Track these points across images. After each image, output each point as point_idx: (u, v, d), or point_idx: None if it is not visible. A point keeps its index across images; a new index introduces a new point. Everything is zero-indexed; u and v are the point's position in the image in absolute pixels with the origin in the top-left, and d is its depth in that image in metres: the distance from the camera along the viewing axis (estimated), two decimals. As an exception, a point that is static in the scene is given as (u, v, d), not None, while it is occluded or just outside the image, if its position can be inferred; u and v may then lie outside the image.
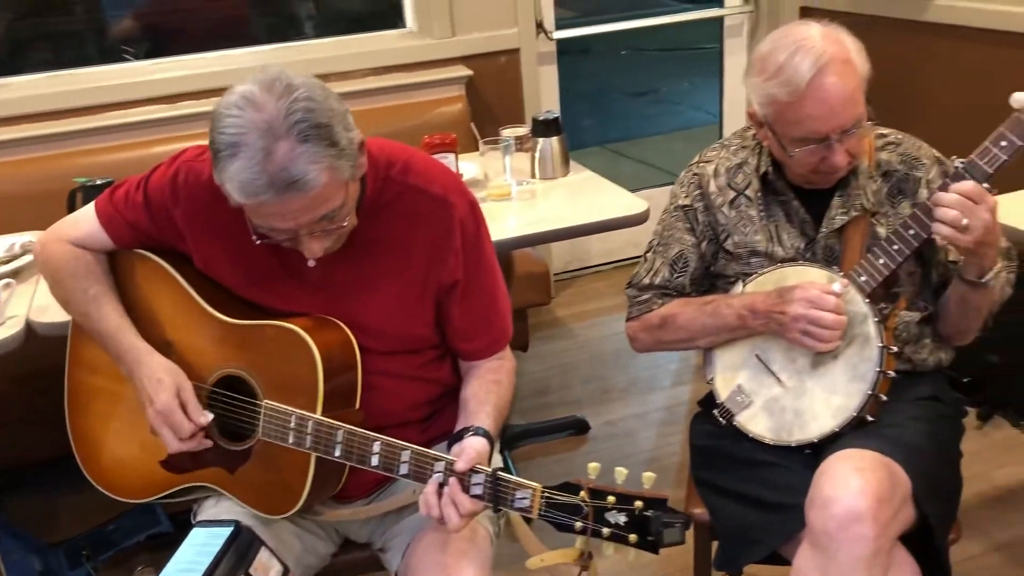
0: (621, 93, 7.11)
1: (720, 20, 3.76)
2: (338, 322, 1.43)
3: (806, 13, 3.54)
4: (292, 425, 1.38)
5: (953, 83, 2.94)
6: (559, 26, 3.50)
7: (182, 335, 1.49)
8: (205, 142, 1.29)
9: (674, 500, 1.73)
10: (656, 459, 2.61)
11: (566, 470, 2.55)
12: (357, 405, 1.43)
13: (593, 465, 1.25)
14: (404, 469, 1.34)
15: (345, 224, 1.33)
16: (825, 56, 1.46)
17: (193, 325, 1.47)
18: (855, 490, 1.35)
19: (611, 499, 1.22)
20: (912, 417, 1.53)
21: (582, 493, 1.22)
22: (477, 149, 2.54)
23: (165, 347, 1.48)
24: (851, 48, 1.51)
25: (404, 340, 1.48)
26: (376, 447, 1.35)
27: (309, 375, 1.37)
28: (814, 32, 1.50)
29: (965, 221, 1.40)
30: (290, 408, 1.38)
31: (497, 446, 1.50)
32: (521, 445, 2.76)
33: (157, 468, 1.50)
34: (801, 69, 1.46)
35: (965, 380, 2.72)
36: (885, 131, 1.68)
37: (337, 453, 1.36)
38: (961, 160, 1.47)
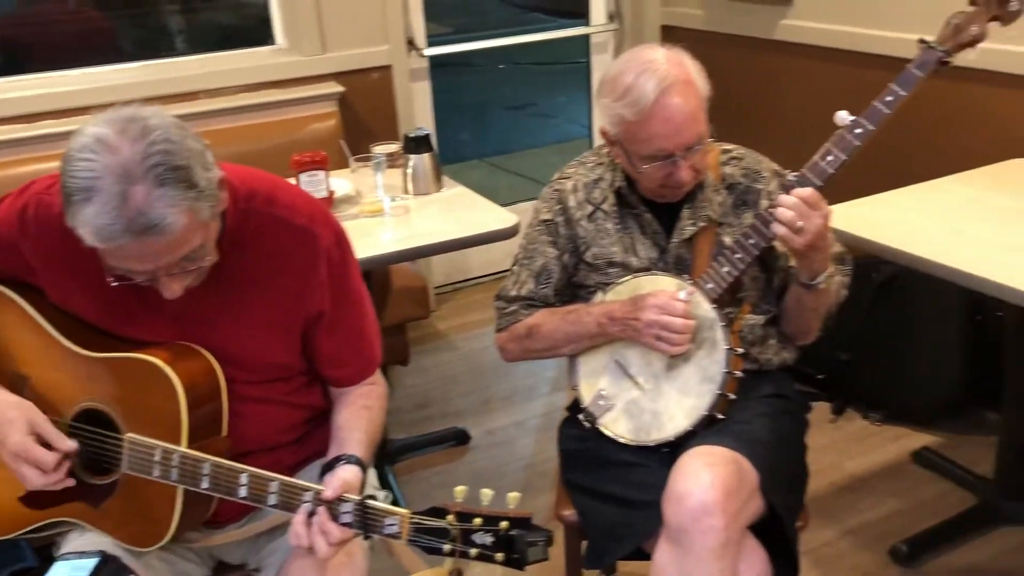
0: (500, 107, 7.23)
1: (586, 37, 3.89)
2: (201, 350, 1.42)
3: (667, 31, 3.71)
4: (157, 459, 1.36)
5: (801, 98, 3.14)
6: (432, 42, 3.56)
7: (37, 370, 1.45)
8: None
9: (549, 503, 1.80)
10: (534, 465, 2.68)
11: (447, 481, 2.59)
12: (224, 432, 1.43)
13: (459, 488, 1.29)
14: (273, 500, 1.34)
15: (205, 262, 1.32)
16: (668, 78, 1.56)
17: (49, 359, 1.44)
18: (706, 484, 1.44)
19: (477, 521, 1.24)
20: (759, 414, 1.64)
21: (449, 517, 1.25)
22: (348, 166, 2.56)
23: (19, 382, 1.44)
24: (692, 70, 1.61)
25: (270, 369, 1.48)
26: (244, 479, 1.34)
27: (171, 406, 1.36)
28: (659, 55, 1.60)
29: (800, 223, 1.51)
30: (154, 441, 1.36)
31: (371, 471, 1.52)
32: (403, 459, 2.78)
33: (18, 504, 1.46)
34: (646, 90, 1.55)
35: (819, 377, 2.91)
36: (729, 147, 1.79)
37: (204, 485, 1.35)
38: (795, 173, 1.59)
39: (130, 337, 1.44)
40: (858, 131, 1.53)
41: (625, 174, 1.72)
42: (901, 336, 2.72)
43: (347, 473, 1.38)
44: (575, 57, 5.05)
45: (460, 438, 2.86)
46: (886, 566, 2.23)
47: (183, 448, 1.35)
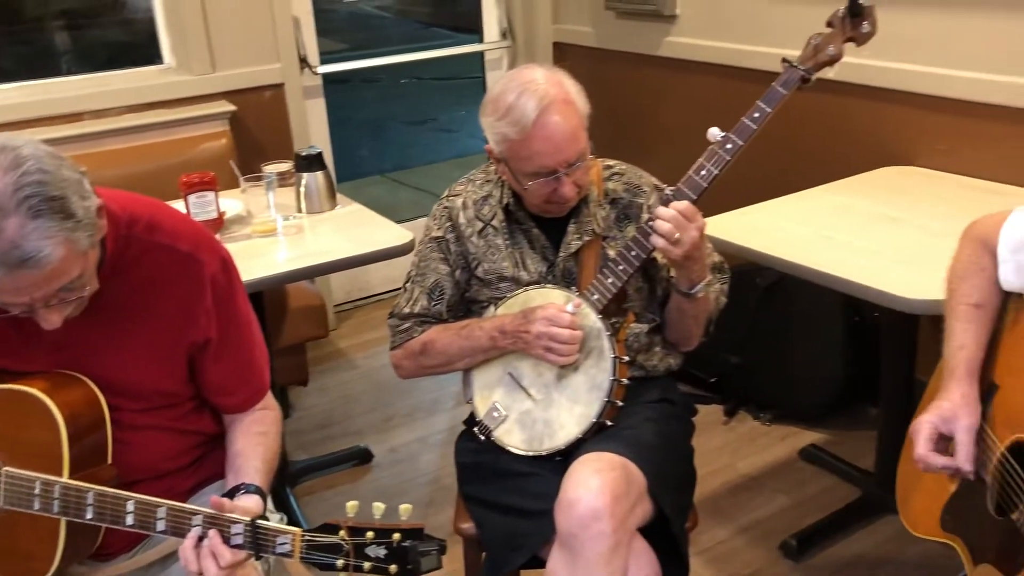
0: (402, 122, 7.22)
1: (481, 54, 3.94)
2: (82, 378, 1.39)
3: (559, 47, 3.79)
4: (37, 491, 1.32)
5: (686, 112, 3.25)
6: (328, 59, 3.55)
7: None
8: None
9: (451, 517, 1.82)
10: (438, 480, 2.69)
11: (363, 504, 2.57)
12: (108, 461, 1.40)
13: (351, 503, 1.30)
14: (161, 526, 1.32)
15: (85, 292, 1.29)
16: (548, 97, 1.60)
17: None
18: (594, 490, 1.49)
19: (370, 534, 1.26)
20: (646, 419, 1.70)
21: (341, 532, 1.26)
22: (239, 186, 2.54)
23: None
24: (571, 90, 1.66)
25: (156, 396, 1.46)
26: (130, 506, 1.32)
27: (52, 437, 1.32)
28: (538, 76, 1.64)
29: (677, 235, 1.57)
30: (33, 474, 1.33)
31: (269, 500, 1.52)
32: (304, 480, 2.76)
33: None
34: (527, 109, 1.59)
35: (712, 380, 3.01)
36: (611, 162, 1.85)
37: (89, 516, 1.32)
38: (671, 187, 1.66)
39: (9, 368, 1.40)
40: (729, 146, 1.60)
41: (513, 191, 1.77)
42: (786, 338, 2.84)
43: (248, 502, 1.38)
44: (476, 72, 5.12)
45: (363, 457, 2.85)
46: (777, 561, 2.32)
47: (64, 479, 1.32)
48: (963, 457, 1.32)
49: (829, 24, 1.64)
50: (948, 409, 1.36)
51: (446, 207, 1.83)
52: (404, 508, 1.33)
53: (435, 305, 1.80)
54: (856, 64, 2.58)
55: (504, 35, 3.87)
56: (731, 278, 2.86)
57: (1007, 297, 1.42)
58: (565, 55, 3.79)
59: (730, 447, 2.81)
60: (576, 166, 1.65)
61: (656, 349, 1.81)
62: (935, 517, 1.45)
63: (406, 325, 1.82)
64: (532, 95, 1.60)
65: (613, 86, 3.60)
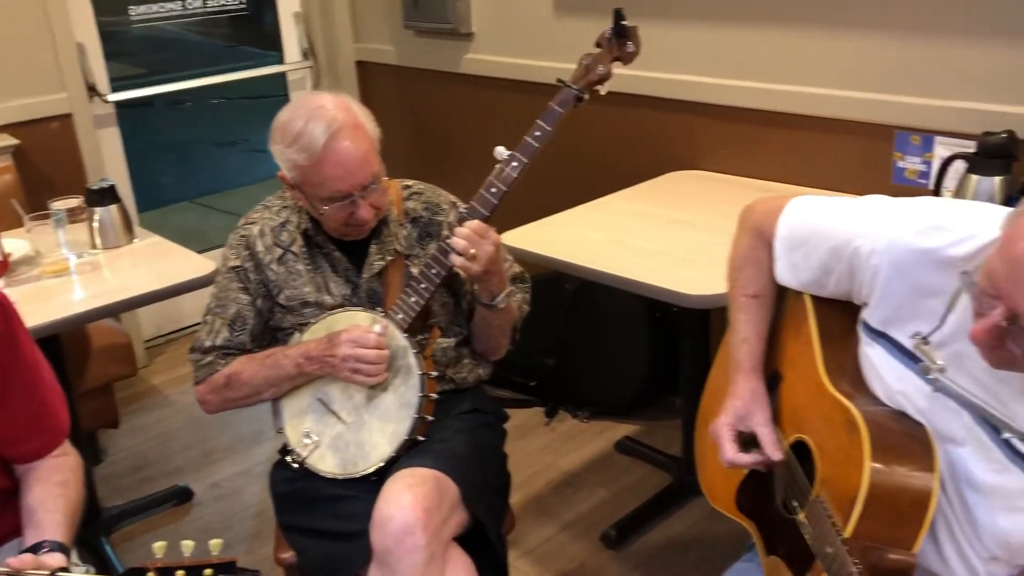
0: (211, 144, 6.99)
1: (283, 74, 3.89)
2: None
3: (361, 66, 3.80)
4: None
5: (488, 127, 3.34)
6: (122, 85, 3.40)
7: None
8: None
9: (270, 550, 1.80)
10: (262, 512, 2.64)
11: (171, 544, 2.48)
12: None
13: (158, 544, 1.26)
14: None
15: None
16: (337, 122, 1.62)
17: None
18: (407, 506, 1.52)
19: (180, 573, 1.23)
20: (457, 430, 1.74)
21: (149, 575, 1.23)
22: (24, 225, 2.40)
23: None
24: (360, 114, 1.69)
25: None
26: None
27: None
28: (326, 101, 1.66)
29: (473, 251, 1.63)
30: None
31: (74, 553, 1.45)
32: (121, 527, 2.63)
33: None
34: (316, 135, 1.61)
35: (531, 384, 3.11)
36: (409, 182, 1.89)
37: None
38: (465, 205, 1.72)
39: None
40: (515, 164, 1.68)
41: (311, 215, 1.77)
42: (596, 339, 2.97)
43: (50, 560, 1.31)
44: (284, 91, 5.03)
45: (182, 496, 2.75)
46: (599, 552, 2.43)
47: None
48: (769, 448, 1.36)
49: (598, 44, 1.74)
50: (741, 407, 1.41)
51: (243, 235, 1.81)
52: (215, 543, 1.31)
53: (238, 336, 1.78)
54: (643, 77, 2.76)
55: (306, 55, 3.84)
56: (542, 285, 2.97)
57: (784, 287, 1.45)
58: (369, 74, 3.81)
59: (552, 447, 2.91)
60: (371, 189, 1.68)
61: (465, 361, 1.86)
62: (731, 496, 1.54)
63: (208, 359, 1.78)
64: (320, 121, 1.62)
65: (417, 103, 3.65)
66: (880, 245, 1.22)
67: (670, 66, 2.77)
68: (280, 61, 3.91)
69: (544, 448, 2.90)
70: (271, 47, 3.99)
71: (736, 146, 2.72)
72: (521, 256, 2.21)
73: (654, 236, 2.27)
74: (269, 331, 1.83)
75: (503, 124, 3.27)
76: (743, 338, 1.44)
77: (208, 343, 1.78)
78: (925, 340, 1.16)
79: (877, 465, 1.15)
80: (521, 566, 2.38)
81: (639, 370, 2.93)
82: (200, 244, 3.60)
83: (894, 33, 2.29)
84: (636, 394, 2.97)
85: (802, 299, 1.41)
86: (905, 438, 1.19)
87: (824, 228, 1.32)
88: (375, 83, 3.80)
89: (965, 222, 1.15)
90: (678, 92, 2.78)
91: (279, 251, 1.79)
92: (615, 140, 3.01)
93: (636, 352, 2.92)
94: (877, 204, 1.28)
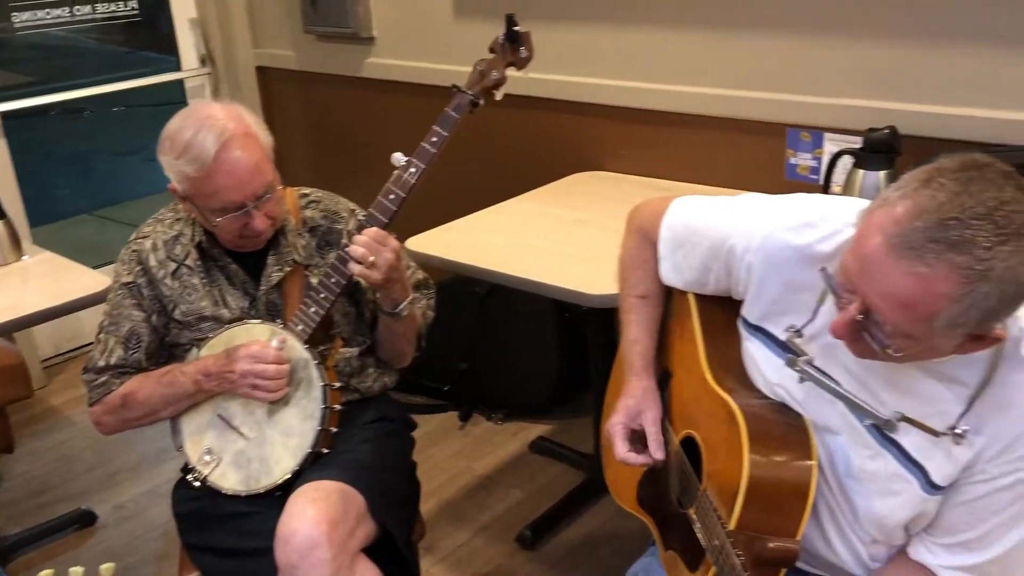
0: (112, 153, 6.77)
1: (180, 81, 3.80)
2: None
3: (262, 72, 3.73)
4: None
5: (392, 132, 3.32)
6: (9, 95, 3.26)
7: None
8: None
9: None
10: (169, 532, 2.55)
11: (59, 571, 2.40)
12: None
13: (45, 572, 1.22)
14: None
15: None
16: (227, 132, 1.59)
17: None
18: (311, 520, 1.50)
19: (65, 601, 1.19)
20: (363, 440, 1.73)
21: None
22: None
23: None
24: (251, 123, 1.66)
25: None
26: None
27: None
28: (216, 111, 1.62)
29: (372, 259, 1.62)
30: None
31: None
32: (19, 555, 2.53)
33: None
34: (206, 145, 1.57)
35: (445, 389, 3.11)
36: (307, 191, 1.87)
37: None
38: (364, 213, 1.70)
39: None
40: (412, 170, 1.67)
41: (204, 227, 1.73)
42: (507, 340, 2.99)
43: None
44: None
45: (85, 519, 2.66)
46: (515, 553, 2.44)
47: None
48: (653, 447, 1.40)
49: (492, 50, 1.75)
50: (633, 406, 1.44)
51: (134, 251, 1.76)
52: (105, 568, 1.27)
53: (133, 354, 1.73)
54: (547, 80, 2.79)
55: (204, 61, 3.75)
56: (451, 289, 2.97)
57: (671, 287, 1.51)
58: (269, 79, 3.74)
59: (467, 450, 2.91)
60: (265, 198, 1.65)
61: (370, 370, 1.84)
62: (633, 492, 1.57)
63: (103, 379, 1.73)
64: (210, 130, 1.58)
65: (320, 109, 3.60)
66: (754, 243, 1.25)
67: (573, 69, 2.79)
68: (178, 68, 3.81)
69: (459, 453, 2.90)
70: (172, 52, 3.89)
71: (637, 147, 2.76)
72: (426, 261, 2.21)
73: (558, 237, 2.29)
74: (166, 348, 1.78)
75: (407, 128, 3.23)
76: (634, 339, 1.48)
77: (102, 363, 1.73)
78: (798, 333, 1.19)
79: (756, 457, 1.18)
80: (436, 572, 2.38)
81: (551, 370, 2.96)
82: (99, 258, 3.48)
83: (784, 33, 2.36)
84: (549, 393, 2.99)
85: (687, 298, 1.45)
86: (783, 429, 1.22)
87: (702, 228, 1.36)
88: (276, 89, 3.74)
89: (833, 218, 1.19)
90: (580, 94, 2.81)
91: (173, 265, 1.74)
92: (520, 143, 3.02)
93: (547, 352, 2.94)
94: (752, 203, 1.32)
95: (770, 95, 2.42)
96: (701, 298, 1.43)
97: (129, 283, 1.74)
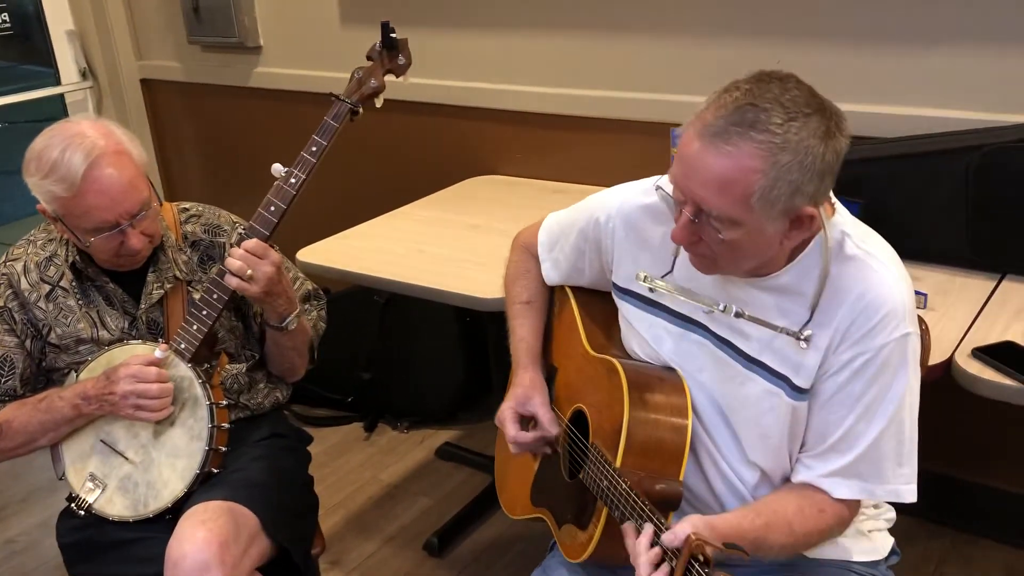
0: (-7, 172, 6.47)
1: (61, 97, 3.66)
2: None
3: (147, 84, 3.63)
4: None
5: (282, 142, 3.23)
6: None
7: None
8: None
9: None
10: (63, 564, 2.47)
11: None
12: None
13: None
14: None
15: None
16: (96, 149, 1.54)
17: None
18: (200, 543, 1.47)
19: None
20: (255, 458, 1.70)
21: None
22: None
23: None
24: (124, 139, 1.61)
25: None
26: None
27: None
28: (84, 128, 1.57)
29: (249, 272, 1.59)
30: None
31: None
32: (-101, 600, 2.40)
33: None
34: (74, 164, 1.52)
35: (348, 400, 3.08)
36: (187, 205, 1.82)
37: None
38: (244, 226, 1.68)
39: None
40: (293, 180, 1.65)
41: (79, 248, 1.67)
42: (410, 347, 2.97)
43: None
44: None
45: (-28, 557, 2.54)
46: (423, 561, 2.43)
47: None
48: (546, 423, 1.47)
49: (369, 57, 1.74)
50: (521, 393, 1.51)
51: (4, 273, 1.69)
52: None
53: (6, 381, 1.66)
54: (437, 85, 2.79)
55: (84, 74, 3.63)
56: (350, 299, 2.95)
57: (552, 291, 1.62)
58: (155, 92, 3.64)
59: (372, 460, 2.88)
60: (140, 216, 1.60)
61: (260, 386, 1.81)
62: (527, 496, 1.61)
63: (-25, 409, 1.65)
64: (78, 148, 1.53)
65: (208, 120, 3.53)
66: (613, 210, 1.41)
67: (462, 74, 2.81)
68: (57, 82, 3.67)
69: (364, 463, 2.87)
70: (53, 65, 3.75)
71: (529, 150, 2.79)
72: (320, 272, 2.18)
73: (453, 243, 2.30)
74: (43, 373, 1.71)
75: (297, 138, 3.19)
76: (520, 338, 1.58)
77: (-28, 392, 1.66)
78: (657, 279, 1.34)
79: (634, 395, 1.29)
80: (345, 586, 2.35)
81: (454, 375, 2.95)
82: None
83: (664, 35, 2.42)
84: (453, 399, 2.99)
85: (567, 294, 1.57)
86: (658, 379, 1.33)
87: (572, 220, 1.51)
88: (162, 101, 3.64)
89: None
90: (471, 99, 2.82)
91: (47, 287, 1.68)
92: (414, 149, 3.02)
93: (450, 357, 2.94)
94: (610, 188, 1.46)
95: (655, 96, 2.47)
96: (579, 291, 1.55)
97: (0, 308, 1.67)
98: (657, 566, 1.11)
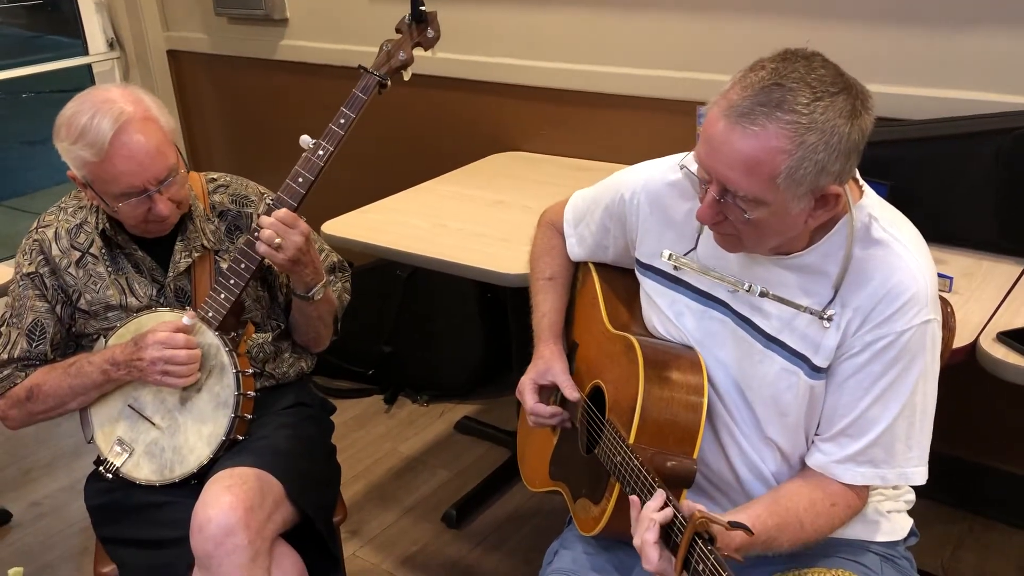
0: (19, 142, 6.54)
1: (88, 66, 3.68)
2: None
3: (173, 56, 3.65)
4: None
5: (307, 115, 3.28)
6: None
7: None
8: None
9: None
10: (89, 527, 2.49)
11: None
12: None
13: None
14: None
15: None
16: (124, 115, 1.55)
17: None
18: (226, 507, 1.49)
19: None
20: (279, 426, 1.72)
21: None
22: None
23: None
24: (151, 106, 1.62)
25: None
26: None
27: None
28: (113, 94, 1.59)
29: (278, 240, 1.60)
30: None
31: None
32: (-71, 558, 2.45)
33: None
34: (102, 129, 1.53)
35: (369, 372, 3.10)
36: (215, 175, 1.84)
37: None
38: (272, 196, 1.69)
39: None
40: (321, 152, 1.66)
41: (108, 215, 1.69)
42: (431, 322, 2.99)
43: None
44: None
45: (0, 519, 2.59)
46: (441, 532, 2.46)
47: None
48: (568, 390, 1.48)
49: (398, 30, 1.74)
50: (542, 365, 1.53)
51: (36, 240, 1.71)
52: (14, 572, 1.25)
53: (37, 346, 1.68)
54: (463, 60, 2.79)
55: (112, 45, 3.64)
56: (373, 272, 2.97)
57: (576, 268, 1.63)
58: (181, 64, 3.66)
59: (392, 433, 2.91)
60: (168, 182, 1.61)
61: (285, 355, 1.83)
62: (545, 470, 1.62)
63: (6, 372, 1.68)
64: (107, 114, 1.54)
65: (234, 92, 3.54)
66: (638, 186, 1.41)
67: (488, 49, 2.80)
68: (84, 52, 3.69)
69: (384, 435, 2.90)
70: (80, 36, 3.77)
71: (553, 127, 2.78)
72: (344, 245, 2.20)
73: (475, 218, 2.30)
74: (73, 338, 1.74)
75: (321, 111, 3.20)
76: (543, 313, 1.59)
77: (4, 356, 1.68)
78: (682, 257, 1.34)
79: (650, 372, 1.29)
80: (363, 555, 2.38)
81: (474, 350, 2.97)
82: (9, 250, 3.38)
83: (692, 13, 2.40)
84: (473, 373, 3.01)
85: (590, 270, 1.57)
86: (675, 357, 1.34)
87: (598, 196, 1.51)
88: (188, 73, 3.65)
89: None
90: (496, 75, 2.81)
91: (77, 254, 1.70)
92: (438, 124, 3.02)
93: (470, 332, 2.95)
94: (638, 164, 1.46)
95: (681, 74, 2.46)
96: (603, 267, 1.56)
97: (31, 273, 1.69)
98: (661, 538, 1.11)
